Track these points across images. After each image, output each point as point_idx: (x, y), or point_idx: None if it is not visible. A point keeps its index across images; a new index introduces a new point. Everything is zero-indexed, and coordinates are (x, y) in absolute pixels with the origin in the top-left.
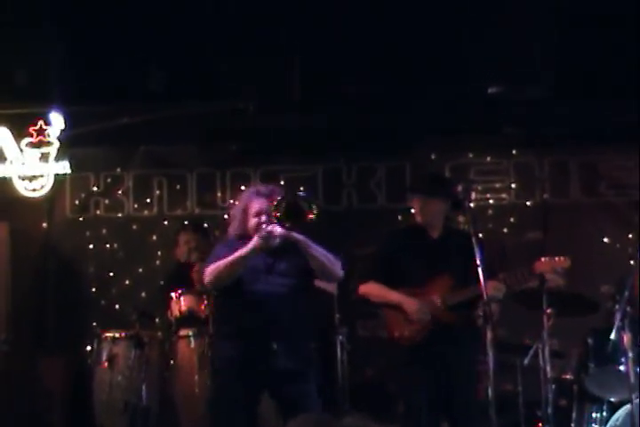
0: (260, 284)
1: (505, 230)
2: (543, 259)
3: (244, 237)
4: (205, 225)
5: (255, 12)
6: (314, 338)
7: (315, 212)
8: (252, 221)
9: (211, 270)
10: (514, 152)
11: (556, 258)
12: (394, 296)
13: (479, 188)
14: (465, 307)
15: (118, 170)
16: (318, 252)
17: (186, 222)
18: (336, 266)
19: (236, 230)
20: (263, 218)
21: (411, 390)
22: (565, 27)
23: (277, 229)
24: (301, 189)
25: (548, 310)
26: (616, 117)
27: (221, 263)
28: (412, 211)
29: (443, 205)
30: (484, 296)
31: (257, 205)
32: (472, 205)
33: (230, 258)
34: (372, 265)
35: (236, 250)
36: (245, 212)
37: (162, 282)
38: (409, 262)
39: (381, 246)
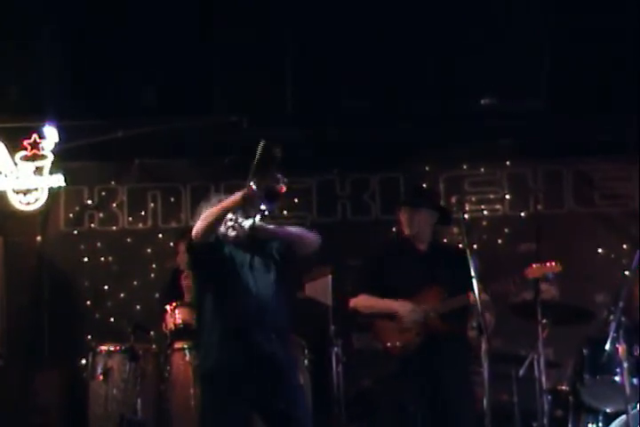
0: (248, 279)
1: (499, 241)
2: (534, 265)
3: None
4: None
5: (248, 26)
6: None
7: (284, 183)
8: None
9: (197, 225)
10: (507, 163)
11: (547, 263)
12: (385, 303)
13: (473, 199)
14: (456, 317)
15: (112, 183)
16: (293, 230)
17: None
18: (311, 235)
19: None
20: None
21: (402, 402)
22: (560, 39)
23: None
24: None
25: (543, 321)
26: (610, 128)
27: (205, 215)
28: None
29: (428, 216)
30: (478, 307)
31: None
32: (466, 216)
33: (213, 209)
34: (360, 279)
35: None
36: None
37: (159, 292)
38: (397, 276)
39: (369, 260)
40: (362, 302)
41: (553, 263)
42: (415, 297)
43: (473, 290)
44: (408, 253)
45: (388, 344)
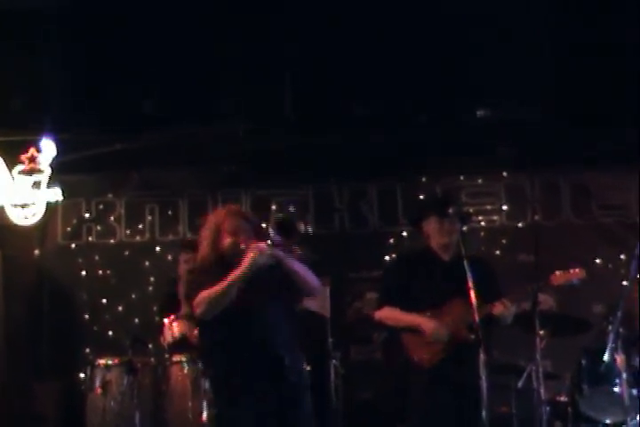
0: (254, 305)
1: (497, 252)
2: (558, 272)
3: (221, 261)
4: None
5: (246, 35)
6: (307, 361)
7: (300, 233)
8: (228, 240)
9: (202, 300)
10: (505, 174)
11: (571, 270)
12: (410, 318)
13: (470, 210)
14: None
15: (110, 196)
16: (300, 267)
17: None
18: (315, 280)
19: (208, 252)
20: (242, 236)
21: (431, 414)
22: (557, 49)
23: (265, 247)
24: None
25: (541, 332)
26: (607, 139)
27: (213, 291)
28: (428, 234)
29: (459, 225)
30: (477, 319)
31: (233, 222)
32: (464, 227)
33: (223, 284)
34: (384, 291)
35: (217, 276)
36: (219, 230)
37: (160, 303)
38: (421, 288)
39: (391, 273)
40: (387, 314)
41: (577, 270)
42: (440, 309)
43: (494, 300)
44: (431, 264)
45: (416, 358)
